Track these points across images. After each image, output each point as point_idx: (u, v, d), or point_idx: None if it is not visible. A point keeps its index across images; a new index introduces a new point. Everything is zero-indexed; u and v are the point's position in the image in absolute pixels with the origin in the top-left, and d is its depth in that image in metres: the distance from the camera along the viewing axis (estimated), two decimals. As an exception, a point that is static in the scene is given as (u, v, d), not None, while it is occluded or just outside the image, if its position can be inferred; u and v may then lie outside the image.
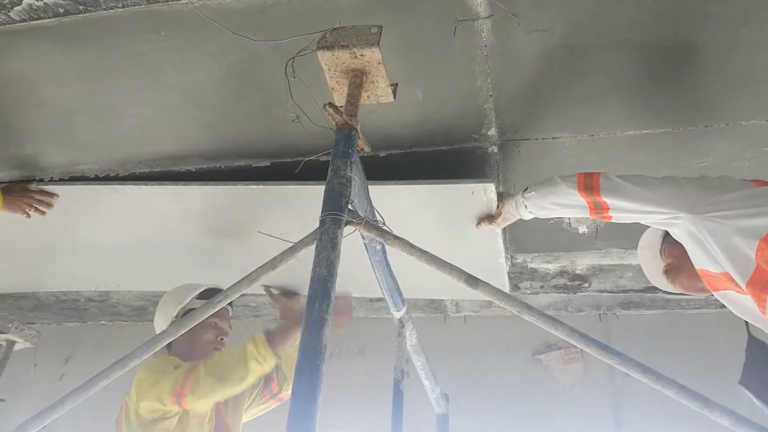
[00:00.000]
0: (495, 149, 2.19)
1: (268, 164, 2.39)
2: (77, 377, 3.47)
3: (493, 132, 2.12)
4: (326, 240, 1.33)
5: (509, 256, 2.75)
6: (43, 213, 2.40)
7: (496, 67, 1.92)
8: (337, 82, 1.64)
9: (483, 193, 2.13)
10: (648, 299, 3.24)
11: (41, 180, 2.43)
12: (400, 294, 1.96)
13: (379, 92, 1.63)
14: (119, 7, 1.85)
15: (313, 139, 2.14)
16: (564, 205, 1.86)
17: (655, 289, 3.27)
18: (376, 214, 1.61)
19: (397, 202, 2.19)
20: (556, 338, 3.19)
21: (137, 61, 2.01)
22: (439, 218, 2.34)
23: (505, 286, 2.66)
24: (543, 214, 1.98)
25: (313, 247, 1.37)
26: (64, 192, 2.40)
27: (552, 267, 2.85)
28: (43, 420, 1.57)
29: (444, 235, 2.41)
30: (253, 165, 2.40)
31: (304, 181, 2.21)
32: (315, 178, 2.35)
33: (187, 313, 2.23)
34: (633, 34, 1.83)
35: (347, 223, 1.40)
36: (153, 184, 2.32)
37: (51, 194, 2.39)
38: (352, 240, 1.50)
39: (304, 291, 2.66)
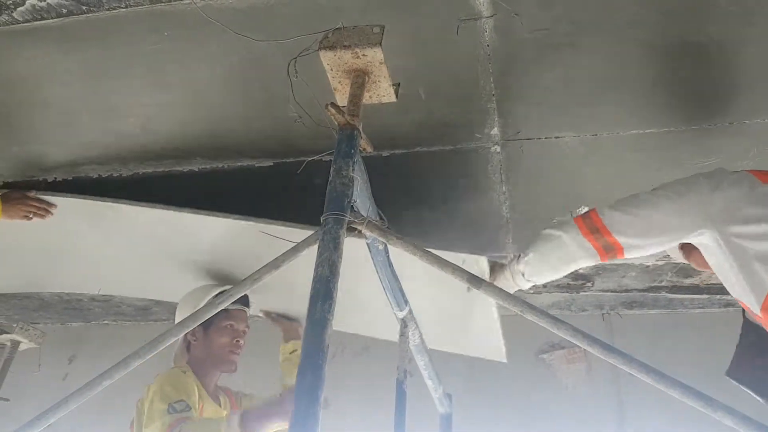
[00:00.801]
0: (498, 149, 2.18)
1: (271, 164, 2.40)
2: (81, 377, 3.46)
3: (495, 131, 2.12)
4: (328, 240, 1.33)
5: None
6: (42, 218, 2.39)
7: (498, 67, 1.92)
8: (339, 82, 1.64)
9: (474, 264, 1.96)
10: (651, 299, 3.24)
11: (44, 180, 2.44)
12: (403, 294, 1.96)
13: (381, 92, 1.63)
14: (122, 7, 1.85)
15: (316, 139, 2.14)
16: (570, 259, 1.71)
17: (658, 288, 3.28)
18: (379, 214, 1.60)
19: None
20: (560, 338, 3.20)
21: (140, 60, 2.02)
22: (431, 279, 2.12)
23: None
24: (544, 279, 1.83)
25: (315, 248, 1.37)
26: (63, 203, 2.39)
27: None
28: (47, 420, 1.57)
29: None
30: (256, 165, 2.40)
31: (288, 222, 2.19)
32: (318, 178, 2.35)
33: None
34: (636, 33, 1.82)
35: (350, 223, 1.40)
36: (146, 206, 2.27)
37: (50, 204, 2.37)
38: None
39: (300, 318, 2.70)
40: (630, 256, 1.65)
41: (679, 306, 3.28)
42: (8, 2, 1.86)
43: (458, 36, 1.83)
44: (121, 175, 2.41)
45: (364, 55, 1.54)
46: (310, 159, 1.88)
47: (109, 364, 3.14)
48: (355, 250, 1.60)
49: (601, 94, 2.01)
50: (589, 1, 1.75)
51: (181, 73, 2.05)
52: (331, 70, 1.61)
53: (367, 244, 1.74)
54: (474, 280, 1.29)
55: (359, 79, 1.59)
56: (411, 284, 2.03)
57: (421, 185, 2.38)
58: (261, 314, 2.72)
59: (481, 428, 2.90)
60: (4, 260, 2.78)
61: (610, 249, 1.65)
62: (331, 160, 1.98)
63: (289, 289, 2.41)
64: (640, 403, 3.03)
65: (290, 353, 2.53)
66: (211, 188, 2.46)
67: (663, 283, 3.09)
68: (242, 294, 1.48)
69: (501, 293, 1.28)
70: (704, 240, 1.60)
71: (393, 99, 1.65)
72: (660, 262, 2.89)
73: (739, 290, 1.57)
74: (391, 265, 1.81)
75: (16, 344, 3.09)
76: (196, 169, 2.42)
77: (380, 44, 1.52)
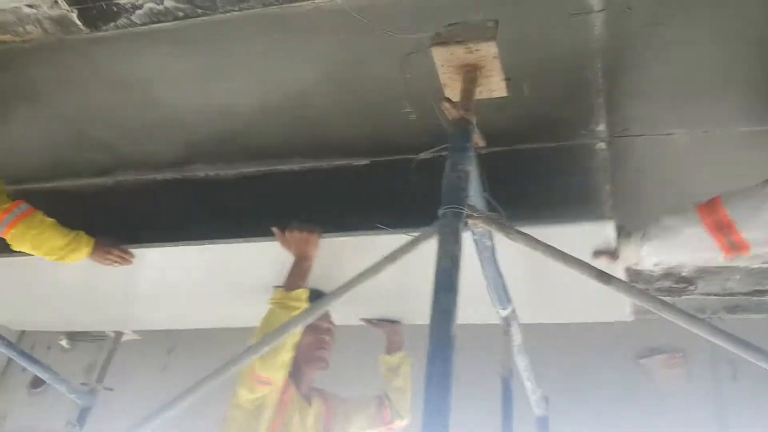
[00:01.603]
0: (603, 146, 2.13)
1: (368, 162, 2.42)
2: (179, 368, 3.64)
3: (602, 128, 2.07)
4: (448, 233, 1.34)
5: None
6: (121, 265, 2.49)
7: (607, 62, 1.88)
8: (450, 77, 1.64)
9: (601, 231, 1.94)
10: (755, 303, 3.08)
11: (154, 178, 2.55)
12: (507, 292, 1.94)
13: (492, 86, 1.63)
14: (235, 10, 1.91)
15: (413, 136, 2.15)
16: (692, 250, 1.66)
17: (762, 292, 3.12)
18: (496, 208, 1.60)
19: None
20: (660, 342, 3.11)
21: (248, 62, 2.08)
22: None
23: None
24: (668, 261, 1.78)
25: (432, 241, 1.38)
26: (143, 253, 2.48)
27: (657, 269, 2.75)
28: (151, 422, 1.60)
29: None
30: (353, 163, 2.44)
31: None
32: (413, 176, 2.37)
33: None
34: (751, 28, 1.75)
35: (467, 216, 1.40)
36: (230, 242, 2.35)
37: (131, 255, 2.47)
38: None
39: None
40: (757, 253, 1.57)
41: (784, 311, 3.11)
42: (128, 6, 1.96)
43: (567, 31, 1.80)
44: (227, 174, 2.49)
45: (477, 50, 1.54)
46: (421, 156, 1.88)
47: (207, 356, 3.27)
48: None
49: (713, 90, 1.94)
50: (705, -3, 1.69)
51: (287, 74, 2.10)
52: (442, 66, 1.62)
53: (474, 240, 1.73)
54: (603, 277, 1.26)
55: (471, 74, 1.59)
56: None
57: (520, 184, 2.35)
58: (362, 322, 2.76)
59: (576, 432, 2.85)
60: (86, 302, 2.93)
61: (735, 247, 1.57)
62: (427, 158, 2.00)
63: (383, 293, 2.42)
64: (743, 409, 2.90)
65: (396, 366, 2.56)
66: (309, 186, 2.51)
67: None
68: (359, 285, 1.49)
69: (633, 290, 1.25)
70: None
71: (504, 93, 1.65)
72: (765, 265, 2.76)
73: None
74: (497, 262, 1.80)
75: (119, 336, 3.24)
76: (296, 168, 2.47)
77: (494, 38, 1.52)
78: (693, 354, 3.00)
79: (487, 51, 1.54)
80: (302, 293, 2.12)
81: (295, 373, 2.25)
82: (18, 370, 4.00)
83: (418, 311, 2.41)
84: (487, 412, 2.30)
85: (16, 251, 2.35)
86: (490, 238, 1.68)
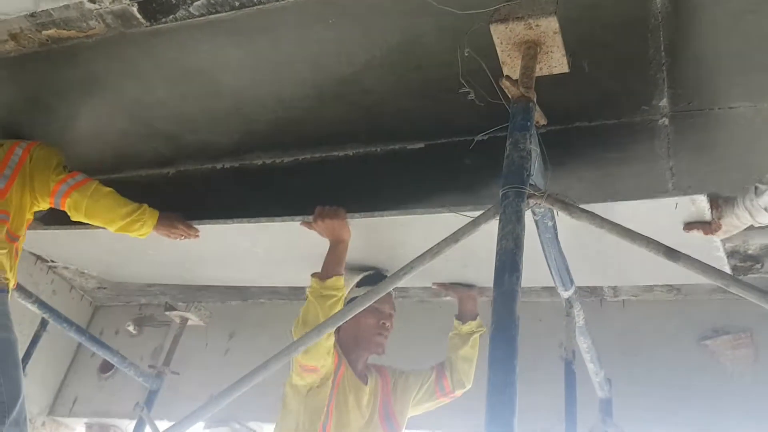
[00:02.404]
0: (666, 121, 2.08)
1: (422, 146, 2.42)
2: (241, 352, 3.72)
3: (664, 103, 2.02)
4: (510, 213, 1.33)
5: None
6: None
7: (670, 35, 1.82)
8: (509, 55, 1.62)
9: (690, 204, 1.84)
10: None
11: (213, 167, 2.60)
12: (569, 273, 1.92)
13: (553, 63, 1.60)
14: (291, -3, 1.93)
15: (470, 118, 2.13)
16: None
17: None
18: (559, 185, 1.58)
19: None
20: (725, 323, 3.02)
21: (303, 49, 2.10)
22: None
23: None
24: None
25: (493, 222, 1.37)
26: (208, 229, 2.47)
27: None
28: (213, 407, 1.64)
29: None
30: (408, 147, 2.43)
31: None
32: (468, 158, 2.35)
33: (350, 301, 2.23)
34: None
35: (529, 196, 1.39)
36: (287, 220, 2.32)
37: (196, 230, 2.44)
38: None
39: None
40: None
41: None
42: (186, -2, 2.00)
43: (627, 3, 1.76)
44: (282, 161, 2.52)
45: (537, 25, 1.52)
46: (479, 137, 1.86)
47: (266, 339, 3.33)
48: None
49: (780, 61, 1.86)
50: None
51: (341, 59, 2.11)
52: (501, 43, 1.60)
53: (535, 220, 1.71)
54: (671, 253, 1.23)
55: (530, 50, 1.57)
56: None
57: (579, 162, 2.31)
58: (434, 287, 2.70)
59: (640, 415, 2.79)
60: (166, 260, 2.99)
61: None
62: (485, 139, 1.98)
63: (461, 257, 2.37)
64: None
65: (467, 333, 2.53)
66: (365, 172, 2.53)
67: (837, 266, 2.82)
68: (421, 267, 1.50)
69: (703, 266, 1.21)
70: None
71: (565, 69, 1.62)
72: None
73: None
74: (559, 242, 1.78)
75: (184, 321, 3.33)
76: (351, 154, 2.48)
77: (555, 13, 1.49)
78: (760, 334, 2.90)
79: (548, 26, 1.52)
80: (336, 281, 2.11)
81: (351, 353, 2.27)
82: (87, 355, 4.15)
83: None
84: (550, 395, 2.29)
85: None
86: (552, 217, 1.66)
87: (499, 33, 1.56)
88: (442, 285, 2.67)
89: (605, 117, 2.11)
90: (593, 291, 3.13)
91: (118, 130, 2.59)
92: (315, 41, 2.05)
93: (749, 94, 1.97)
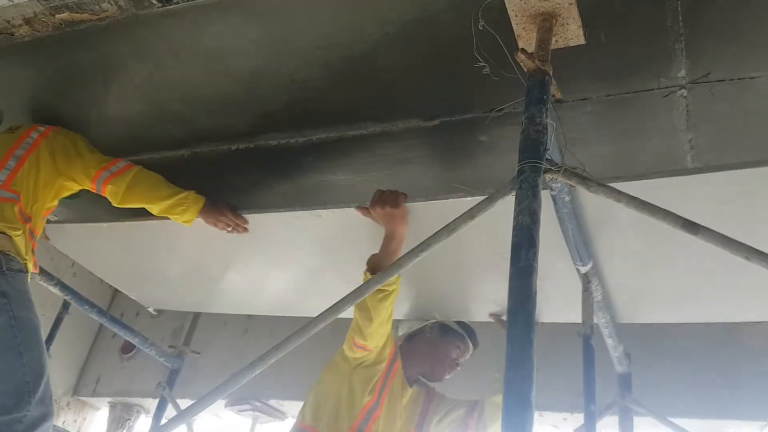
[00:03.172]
0: (684, 93, 2.04)
1: (437, 123, 2.40)
2: (259, 332, 3.76)
3: (683, 74, 1.98)
4: (527, 188, 1.32)
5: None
6: (239, 233, 2.50)
7: (688, 4, 1.78)
8: (524, 28, 1.60)
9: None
10: None
11: (228, 148, 2.60)
12: (587, 248, 1.91)
13: (569, 35, 1.58)
14: (301, -25, 1.90)
15: (485, 94, 2.11)
16: None
17: None
18: (576, 160, 1.56)
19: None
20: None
21: (315, 28, 2.07)
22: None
23: None
24: None
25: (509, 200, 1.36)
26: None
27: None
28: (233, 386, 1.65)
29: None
30: (422, 125, 2.42)
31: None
32: (483, 135, 2.33)
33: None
34: None
35: (546, 170, 1.38)
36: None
37: (246, 222, 2.45)
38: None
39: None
40: None
41: None
42: (195, -24, 1.98)
43: (645, -27, 1.72)
44: (297, 141, 2.51)
45: (552, -3, 1.49)
46: (494, 112, 1.84)
47: (285, 319, 3.33)
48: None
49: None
50: None
51: (352, 36, 2.08)
52: (516, 15, 1.57)
53: (552, 196, 1.70)
54: (689, 226, 1.22)
55: (546, 23, 1.54)
56: None
57: (595, 135, 2.28)
58: (491, 319, 2.72)
59: (657, 390, 2.78)
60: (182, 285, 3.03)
61: None
62: (499, 115, 1.95)
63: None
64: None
65: None
66: (379, 151, 2.52)
67: None
68: (437, 245, 1.49)
69: (723, 238, 1.20)
70: None
71: (582, 41, 1.59)
72: None
73: None
74: (577, 217, 1.76)
75: (202, 302, 3.37)
76: (366, 132, 2.47)
77: (570, -16, 1.46)
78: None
79: (563, -2, 1.49)
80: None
81: (411, 360, 2.41)
82: (108, 336, 4.23)
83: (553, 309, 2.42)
84: (569, 370, 2.30)
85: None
86: (569, 193, 1.64)
87: (514, 5, 1.54)
88: (499, 318, 2.68)
89: (620, 89, 2.07)
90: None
91: (133, 113, 2.59)
92: (325, 20, 2.03)
93: (771, 63, 1.93)
